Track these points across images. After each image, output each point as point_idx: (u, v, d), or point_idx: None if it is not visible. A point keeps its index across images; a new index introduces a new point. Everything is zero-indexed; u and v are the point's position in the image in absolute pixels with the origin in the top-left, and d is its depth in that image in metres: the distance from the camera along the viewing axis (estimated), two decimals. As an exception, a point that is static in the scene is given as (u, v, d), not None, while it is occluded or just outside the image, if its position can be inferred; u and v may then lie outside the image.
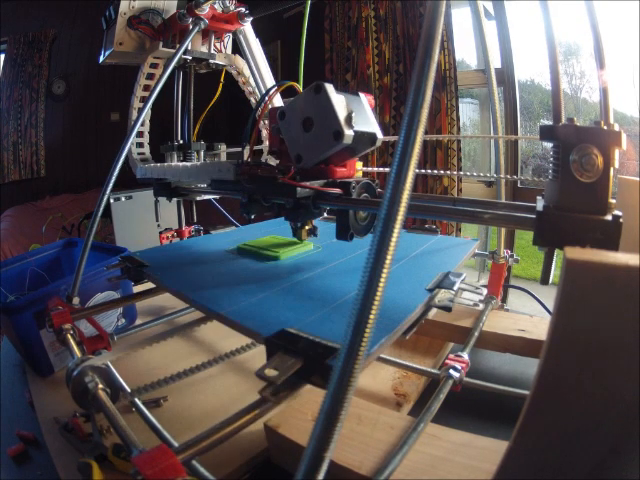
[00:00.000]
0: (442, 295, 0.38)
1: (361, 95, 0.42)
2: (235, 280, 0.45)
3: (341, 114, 0.37)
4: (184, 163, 0.70)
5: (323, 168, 0.43)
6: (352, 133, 0.37)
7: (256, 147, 0.61)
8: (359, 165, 0.48)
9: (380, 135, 0.41)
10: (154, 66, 0.68)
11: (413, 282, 0.42)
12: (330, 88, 0.37)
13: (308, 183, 0.41)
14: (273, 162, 0.50)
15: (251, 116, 0.47)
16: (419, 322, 0.36)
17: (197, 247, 0.60)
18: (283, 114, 0.42)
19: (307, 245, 0.55)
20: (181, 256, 0.56)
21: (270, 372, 0.27)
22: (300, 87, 0.49)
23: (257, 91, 0.74)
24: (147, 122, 0.70)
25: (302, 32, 0.53)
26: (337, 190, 0.40)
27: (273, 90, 0.48)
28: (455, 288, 0.39)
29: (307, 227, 0.49)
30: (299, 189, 0.40)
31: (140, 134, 0.71)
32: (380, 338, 0.30)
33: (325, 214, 0.45)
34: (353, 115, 0.37)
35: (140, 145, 0.72)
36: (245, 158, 0.48)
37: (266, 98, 0.48)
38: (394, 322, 0.33)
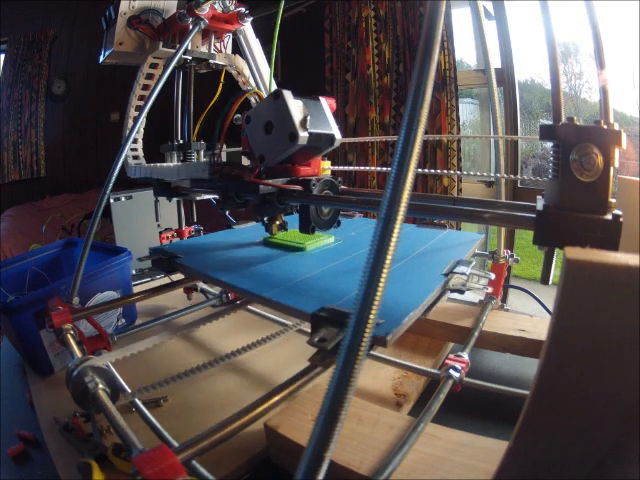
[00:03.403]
0: (455, 280, 0.42)
1: (321, 99, 0.45)
2: (267, 268, 0.48)
3: (297, 117, 0.40)
4: (168, 164, 0.71)
5: (288, 167, 0.46)
6: (307, 135, 0.41)
7: (236, 149, 0.63)
8: (326, 164, 0.51)
9: (338, 136, 0.45)
10: (154, 66, 0.68)
11: (430, 269, 0.46)
12: (288, 94, 0.41)
13: (271, 181, 0.45)
14: (246, 162, 0.53)
15: (219, 121, 0.50)
16: (437, 302, 0.39)
17: (223, 240, 0.61)
18: (249, 118, 0.45)
19: (329, 238, 0.58)
20: (208, 248, 0.58)
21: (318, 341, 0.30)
22: (264, 94, 0.54)
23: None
24: (143, 121, 0.70)
25: (274, 36, 0.54)
26: (298, 187, 0.44)
27: (236, 99, 0.51)
28: (467, 272, 0.43)
29: (278, 222, 0.52)
30: (262, 186, 0.44)
31: (135, 132, 0.71)
32: (408, 312, 0.34)
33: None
34: (309, 118, 0.41)
35: (134, 141, 0.71)
36: (216, 159, 0.51)
37: (230, 106, 0.50)
38: (417, 300, 0.37)
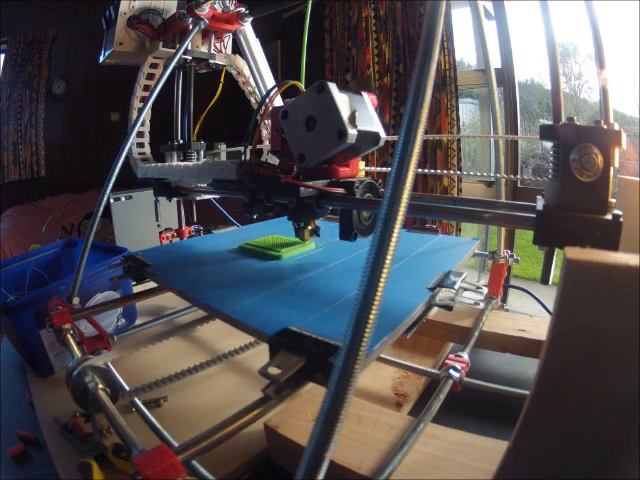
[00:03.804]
0: (443, 294, 0.38)
1: (364, 94, 0.42)
2: (237, 279, 0.45)
3: (344, 113, 0.37)
4: (185, 163, 0.70)
5: (326, 168, 0.43)
6: (356, 132, 0.37)
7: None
8: (362, 165, 0.48)
9: (383, 134, 0.41)
10: (154, 66, 0.68)
11: (414, 281, 0.42)
12: (333, 87, 0.37)
13: (311, 183, 0.41)
14: (274, 162, 0.50)
15: (253, 116, 0.47)
16: (420, 321, 0.36)
17: (199, 246, 0.60)
18: (286, 113, 0.41)
19: (308, 245, 0.55)
20: (183, 255, 0.56)
21: (273, 370, 0.27)
22: (302, 86, 0.49)
23: (257, 91, 0.74)
24: (147, 122, 0.70)
25: (304, 31, 0.53)
26: (340, 190, 0.40)
27: (275, 89, 0.48)
28: (456, 287, 0.39)
29: (310, 227, 0.49)
30: (302, 189, 0.40)
31: (140, 134, 0.71)
32: (381, 337, 0.30)
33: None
34: (356, 114, 0.37)
35: (141, 145, 0.72)
36: (247, 158, 0.48)
37: (268, 98, 0.48)
38: (395, 321, 0.33)
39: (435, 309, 0.38)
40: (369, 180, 0.42)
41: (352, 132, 0.37)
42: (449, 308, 0.37)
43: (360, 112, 0.38)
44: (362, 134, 0.38)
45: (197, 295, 0.40)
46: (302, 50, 0.53)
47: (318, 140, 0.39)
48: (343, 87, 0.39)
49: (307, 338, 0.30)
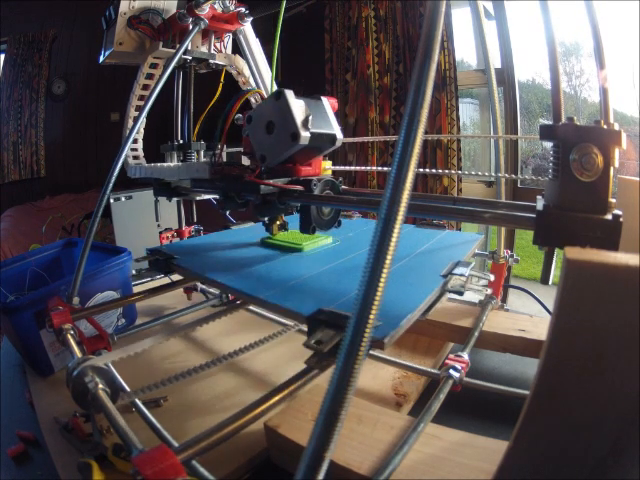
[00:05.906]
0: (454, 281, 0.42)
1: (323, 99, 0.45)
2: (264, 269, 0.48)
3: (298, 117, 0.40)
4: (168, 163, 0.71)
5: (289, 167, 0.46)
6: (308, 135, 0.41)
7: (237, 149, 0.63)
8: (327, 164, 0.52)
9: (340, 136, 0.45)
10: (154, 66, 0.68)
11: (429, 270, 0.46)
12: (290, 94, 0.41)
13: (272, 181, 0.45)
14: (246, 162, 0.54)
15: (220, 121, 0.51)
16: (436, 303, 0.39)
17: (220, 241, 0.61)
18: (250, 118, 0.45)
19: (327, 238, 0.58)
20: (206, 249, 0.58)
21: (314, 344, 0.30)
22: (265, 93, 0.54)
23: (257, 91, 0.74)
24: (143, 121, 0.70)
25: (276, 35, 0.53)
26: (299, 187, 0.44)
27: (237, 99, 0.52)
28: (466, 274, 0.43)
29: (278, 222, 0.53)
30: (262, 186, 0.44)
31: (135, 133, 0.71)
32: (407, 314, 0.34)
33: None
34: (311, 118, 0.41)
35: (134, 142, 0.71)
36: (217, 159, 0.51)
37: (232, 106, 0.51)
38: (416, 302, 0.37)
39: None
40: (328, 178, 0.46)
41: (305, 134, 0.40)
42: (460, 293, 0.41)
43: (316, 116, 0.42)
44: (316, 136, 0.42)
45: (230, 283, 0.43)
46: (273, 54, 0.53)
47: (276, 142, 0.43)
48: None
49: (341, 316, 0.32)
